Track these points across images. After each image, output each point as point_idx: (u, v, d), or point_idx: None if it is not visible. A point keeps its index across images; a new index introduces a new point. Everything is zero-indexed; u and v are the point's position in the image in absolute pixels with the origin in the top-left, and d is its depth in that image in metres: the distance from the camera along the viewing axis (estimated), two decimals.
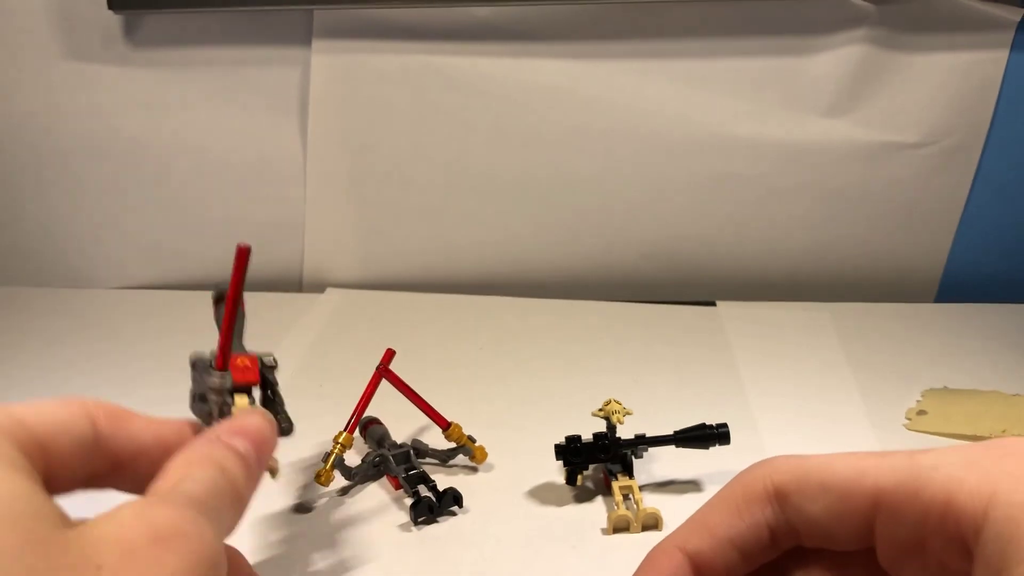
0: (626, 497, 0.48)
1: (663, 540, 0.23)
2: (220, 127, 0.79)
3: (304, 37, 0.75)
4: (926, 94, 0.74)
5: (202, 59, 0.76)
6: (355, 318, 0.77)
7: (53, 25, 0.75)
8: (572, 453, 0.49)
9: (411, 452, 0.50)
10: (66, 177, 0.81)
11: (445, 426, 0.52)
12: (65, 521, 0.18)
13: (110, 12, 0.72)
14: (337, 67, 0.76)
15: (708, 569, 0.22)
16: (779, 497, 0.22)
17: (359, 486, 0.52)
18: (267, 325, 0.74)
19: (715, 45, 0.74)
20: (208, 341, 0.79)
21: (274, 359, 0.43)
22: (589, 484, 0.51)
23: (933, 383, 0.63)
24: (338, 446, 0.49)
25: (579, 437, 0.50)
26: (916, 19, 0.71)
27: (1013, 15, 0.70)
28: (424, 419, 0.53)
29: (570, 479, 0.51)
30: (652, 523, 0.47)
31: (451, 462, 0.53)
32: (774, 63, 0.74)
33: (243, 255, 0.34)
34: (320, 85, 0.76)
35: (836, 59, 0.73)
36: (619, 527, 0.47)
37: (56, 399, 0.21)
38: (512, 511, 0.49)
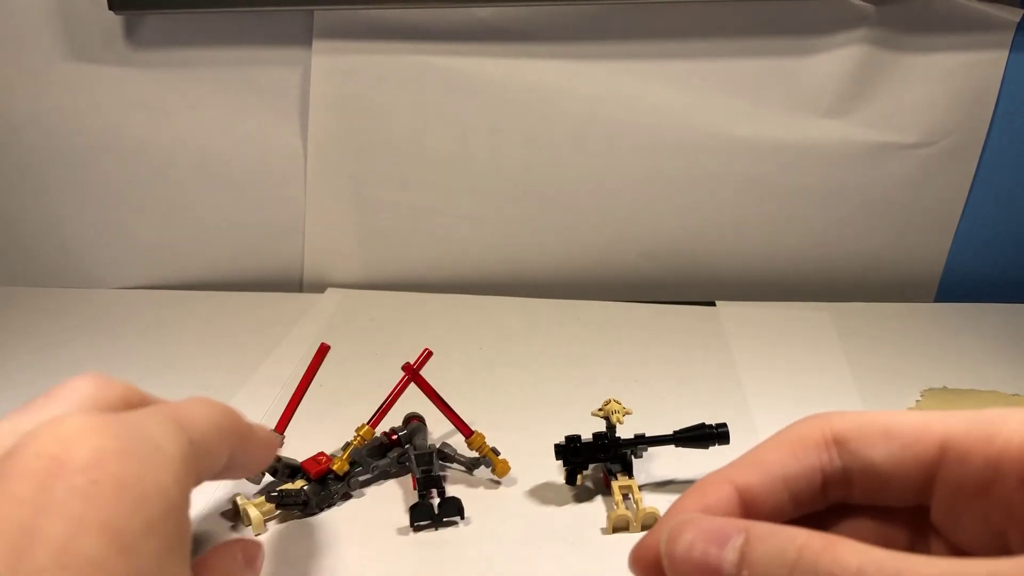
0: (626, 497, 0.48)
1: (712, 472, 0.23)
2: (220, 127, 0.79)
3: (304, 37, 0.75)
4: (926, 94, 0.74)
5: (202, 59, 0.76)
6: (355, 318, 0.77)
7: (53, 25, 0.75)
8: (572, 453, 0.49)
9: (434, 455, 0.50)
10: (67, 177, 0.82)
11: (468, 434, 0.52)
12: None
13: (111, 12, 0.72)
14: (337, 67, 0.76)
15: (756, 506, 0.22)
16: (838, 443, 0.22)
17: (380, 481, 0.52)
18: (267, 325, 0.74)
19: (715, 45, 0.74)
20: (204, 340, 0.79)
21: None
22: (589, 484, 0.51)
23: (932, 383, 0.63)
24: (357, 438, 0.50)
25: (579, 437, 0.50)
26: (916, 19, 0.71)
27: (1013, 15, 0.70)
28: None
29: (570, 479, 0.51)
30: (651, 523, 0.47)
31: (476, 472, 0.53)
32: (774, 63, 0.74)
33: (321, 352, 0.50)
34: (320, 85, 0.76)
35: (836, 59, 0.73)
36: (619, 527, 0.47)
37: (213, 421, 0.24)
38: (512, 511, 0.49)
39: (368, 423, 0.51)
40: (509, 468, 0.52)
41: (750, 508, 0.22)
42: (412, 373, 0.51)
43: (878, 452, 0.21)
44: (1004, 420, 0.20)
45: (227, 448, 0.24)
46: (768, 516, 0.22)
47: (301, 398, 0.51)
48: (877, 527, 0.22)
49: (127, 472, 0.18)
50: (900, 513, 0.22)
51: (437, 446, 0.53)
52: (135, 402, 0.24)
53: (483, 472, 0.53)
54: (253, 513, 0.47)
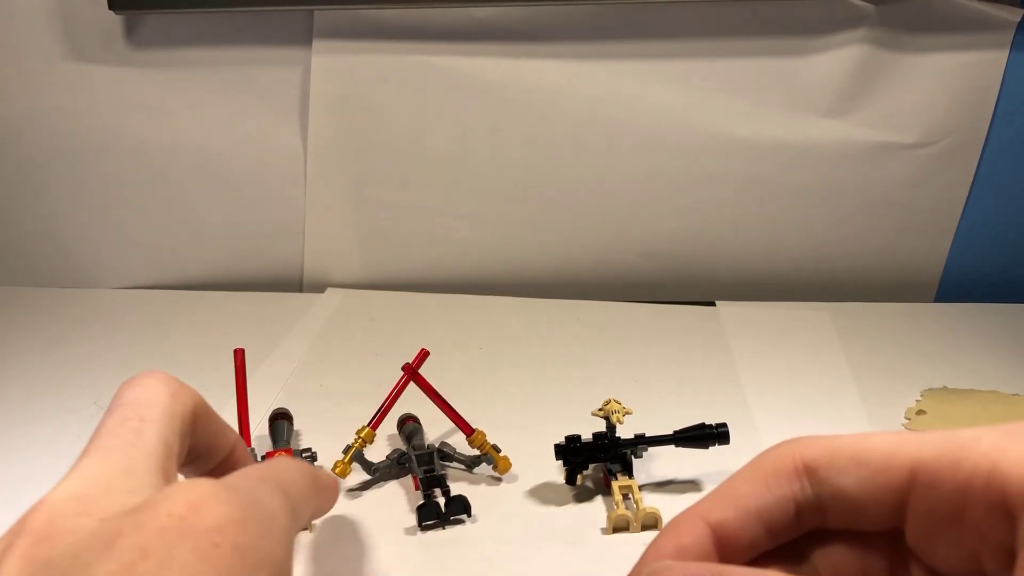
0: (626, 497, 0.48)
1: (686, 509, 0.23)
2: (220, 127, 0.79)
3: (304, 37, 0.75)
4: (926, 94, 0.74)
5: (202, 59, 0.76)
6: (355, 318, 0.77)
7: (53, 25, 0.75)
8: (572, 453, 0.49)
9: (434, 454, 0.50)
10: (66, 177, 0.82)
11: (469, 433, 0.52)
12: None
13: (111, 12, 0.72)
14: (337, 67, 0.76)
15: (731, 541, 0.22)
16: (808, 471, 0.22)
17: (381, 483, 0.52)
18: (267, 325, 0.74)
19: (715, 45, 0.74)
20: (204, 340, 0.79)
21: (312, 453, 0.52)
22: (589, 484, 0.51)
23: (932, 383, 0.63)
24: (359, 440, 0.50)
25: (579, 437, 0.50)
26: (916, 19, 0.71)
27: (1013, 15, 0.70)
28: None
29: (570, 479, 0.51)
30: (652, 523, 0.47)
31: (476, 470, 0.53)
32: (774, 63, 0.74)
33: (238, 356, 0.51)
34: (320, 85, 0.76)
35: (836, 59, 0.73)
36: (619, 527, 0.47)
37: (305, 482, 0.27)
38: (512, 511, 0.49)
39: (368, 425, 0.51)
40: (510, 465, 0.52)
41: (725, 544, 0.22)
42: (412, 373, 0.52)
43: (849, 480, 0.21)
44: (974, 443, 0.19)
45: (314, 504, 0.27)
46: (744, 550, 0.22)
47: (246, 408, 0.52)
48: (854, 552, 0.22)
49: (245, 540, 0.20)
50: (877, 537, 0.22)
51: (436, 446, 0.53)
52: (202, 409, 0.27)
53: (482, 470, 0.53)
54: None
